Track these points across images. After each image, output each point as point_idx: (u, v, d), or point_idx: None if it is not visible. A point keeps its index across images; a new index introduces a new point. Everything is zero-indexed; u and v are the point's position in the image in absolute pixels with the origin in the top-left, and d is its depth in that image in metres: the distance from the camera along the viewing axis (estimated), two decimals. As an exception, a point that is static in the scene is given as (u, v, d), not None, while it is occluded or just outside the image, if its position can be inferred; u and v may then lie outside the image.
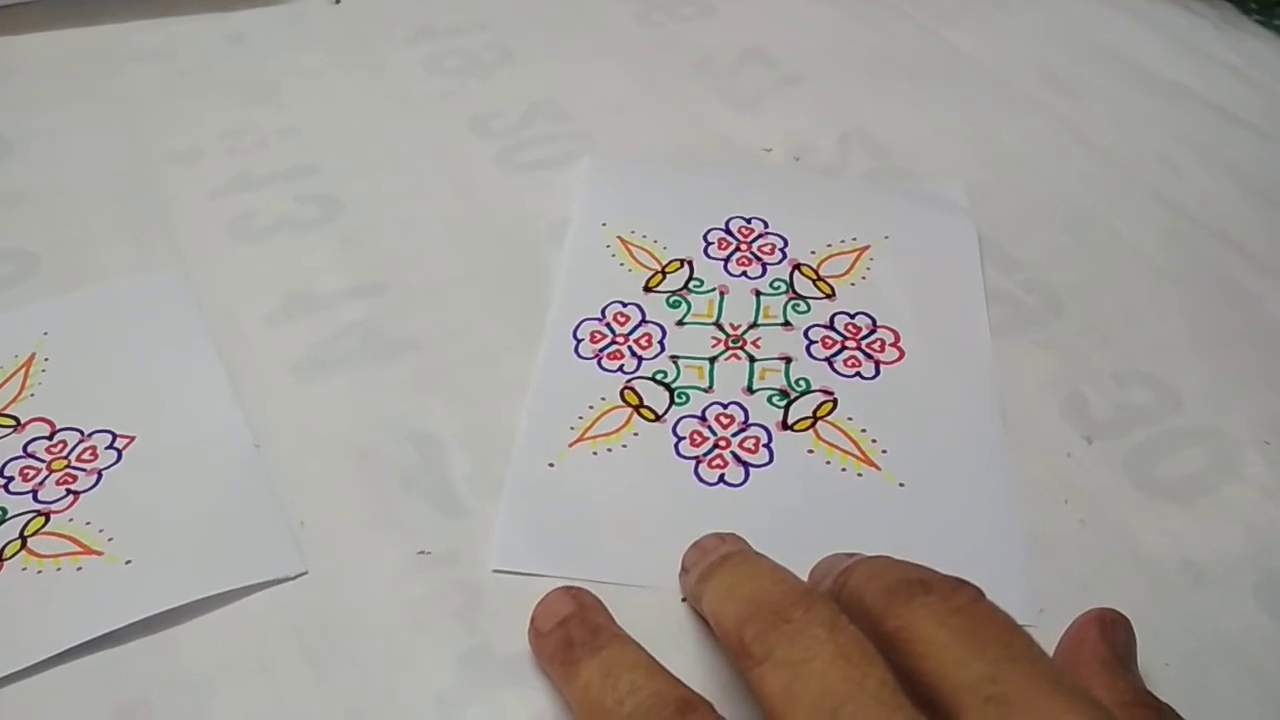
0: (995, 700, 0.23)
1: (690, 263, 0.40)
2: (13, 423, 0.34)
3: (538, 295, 0.39)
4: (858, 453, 0.34)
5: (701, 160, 0.45)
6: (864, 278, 0.39)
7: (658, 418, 0.35)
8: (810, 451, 0.34)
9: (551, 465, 0.33)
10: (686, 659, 0.29)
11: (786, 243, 0.40)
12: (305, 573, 0.31)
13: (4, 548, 0.31)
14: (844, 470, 0.33)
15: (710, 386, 0.36)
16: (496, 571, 0.31)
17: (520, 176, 0.44)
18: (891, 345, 0.37)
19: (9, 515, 0.32)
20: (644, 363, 0.36)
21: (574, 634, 0.28)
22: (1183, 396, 0.36)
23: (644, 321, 0.38)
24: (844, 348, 0.37)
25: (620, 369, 0.36)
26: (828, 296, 0.38)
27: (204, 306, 0.39)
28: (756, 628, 0.25)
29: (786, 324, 0.37)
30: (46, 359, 0.36)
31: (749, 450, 0.34)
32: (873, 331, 0.37)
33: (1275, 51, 0.50)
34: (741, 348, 0.37)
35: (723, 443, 0.34)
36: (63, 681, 0.29)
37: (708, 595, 0.28)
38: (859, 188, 0.43)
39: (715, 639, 0.29)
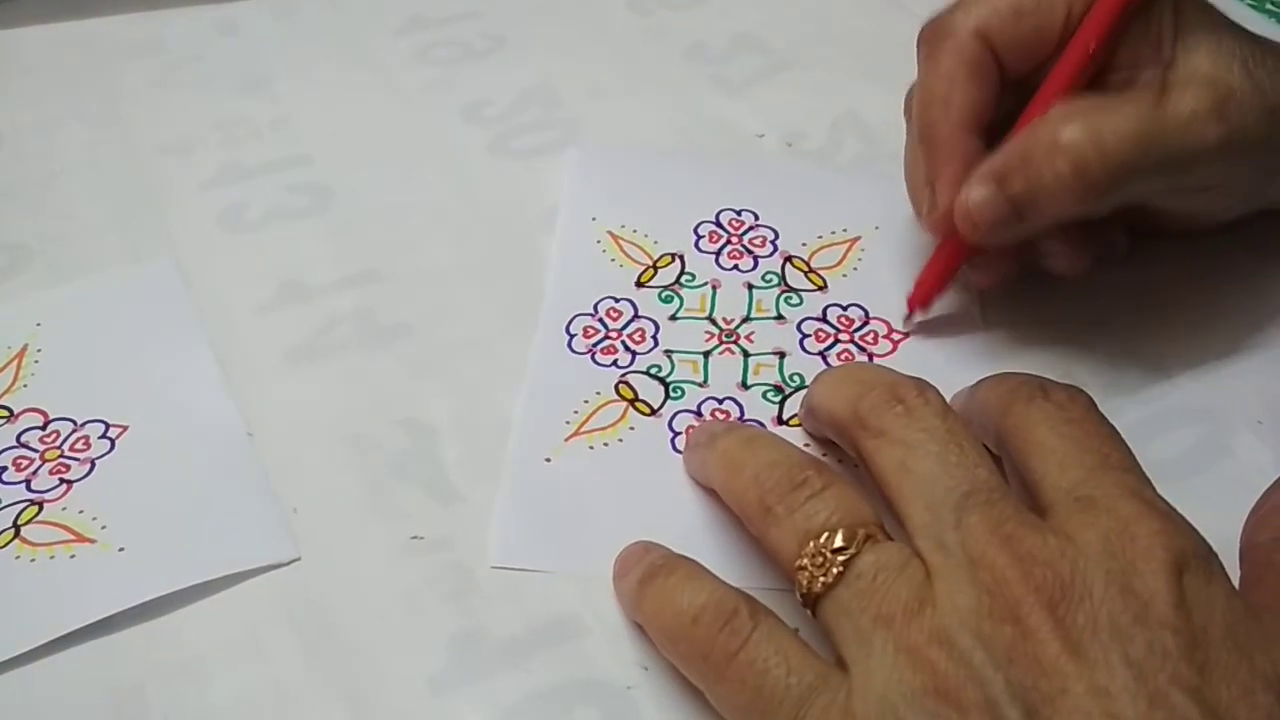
0: (1082, 501, 0.25)
1: (681, 257, 0.40)
2: (6, 413, 0.35)
3: (530, 282, 0.39)
4: None
5: (693, 146, 0.45)
6: (855, 269, 0.39)
7: (653, 412, 0.35)
8: (806, 445, 0.34)
9: (548, 460, 0.33)
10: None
11: (777, 235, 0.40)
12: (298, 558, 0.31)
13: (-3, 537, 0.31)
14: (840, 463, 0.33)
15: (705, 381, 0.36)
16: (495, 568, 0.31)
17: (512, 164, 0.44)
18: (884, 337, 0.37)
19: (2, 505, 0.32)
20: (638, 357, 0.36)
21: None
22: (1176, 376, 0.36)
23: (637, 316, 0.38)
24: (837, 340, 0.37)
25: (614, 363, 0.36)
26: (820, 289, 0.38)
27: (196, 296, 0.39)
28: (872, 401, 0.28)
29: (779, 317, 0.37)
30: (39, 350, 0.37)
31: (745, 445, 0.34)
32: (865, 324, 0.37)
33: (1265, 33, 0.49)
34: (735, 342, 0.37)
35: (720, 438, 0.34)
36: (58, 669, 0.29)
37: (815, 391, 0.31)
38: (850, 176, 0.43)
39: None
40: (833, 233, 0.40)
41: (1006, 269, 0.36)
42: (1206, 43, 0.33)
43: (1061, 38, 0.34)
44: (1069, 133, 0.32)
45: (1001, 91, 0.35)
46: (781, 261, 0.39)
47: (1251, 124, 0.32)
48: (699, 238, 0.40)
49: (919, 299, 0.37)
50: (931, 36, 0.36)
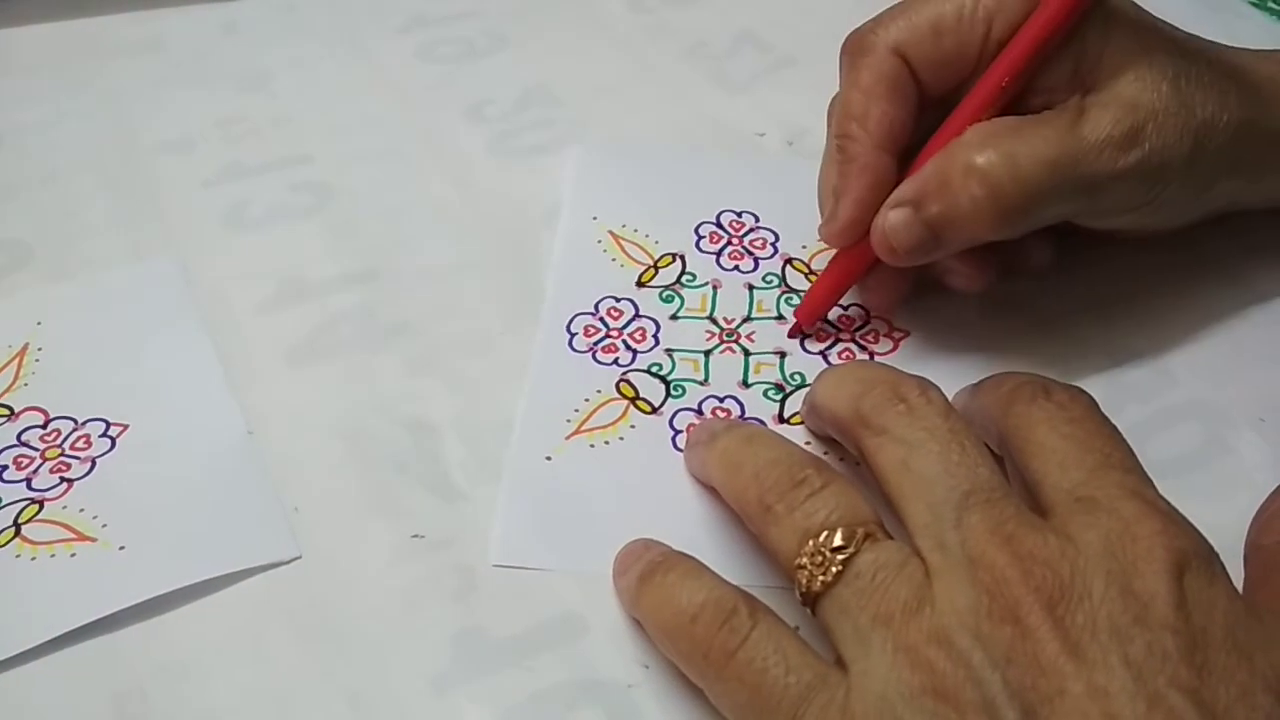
0: (1084, 501, 0.25)
1: (682, 257, 0.39)
2: (7, 412, 0.35)
3: (531, 280, 0.39)
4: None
5: (694, 145, 0.45)
6: None
7: (654, 410, 0.35)
8: (807, 444, 0.33)
9: (549, 459, 0.33)
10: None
11: (778, 237, 0.40)
12: (299, 557, 0.31)
13: (-2, 535, 0.31)
14: (841, 461, 0.33)
15: (706, 380, 0.36)
16: (496, 566, 0.31)
17: (514, 162, 0.44)
18: (885, 335, 0.37)
19: (3, 503, 0.32)
20: (639, 355, 0.36)
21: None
22: (1176, 374, 0.36)
23: (637, 316, 0.38)
24: (838, 339, 0.37)
25: (615, 361, 0.36)
26: None
27: (197, 295, 0.39)
28: (874, 400, 0.28)
29: (780, 317, 0.37)
30: (40, 348, 0.37)
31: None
32: (866, 323, 0.37)
33: (1267, 32, 0.49)
34: (736, 341, 0.37)
35: (721, 436, 0.34)
36: (58, 667, 0.29)
37: (817, 389, 0.31)
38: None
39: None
40: None
41: (900, 289, 0.36)
42: (1135, 65, 0.33)
43: (980, 57, 0.34)
44: (984, 158, 0.32)
45: (920, 109, 0.35)
46: (782, 263, 0.39)
47: (1172, 145, 0.32)
48: (700, 238, 0.40)
49: (806, 317, 0.37)
50: (852, 50, 0.35)
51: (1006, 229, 0.33)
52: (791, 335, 0.37)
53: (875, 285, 0.36)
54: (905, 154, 0.35)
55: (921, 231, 0.33)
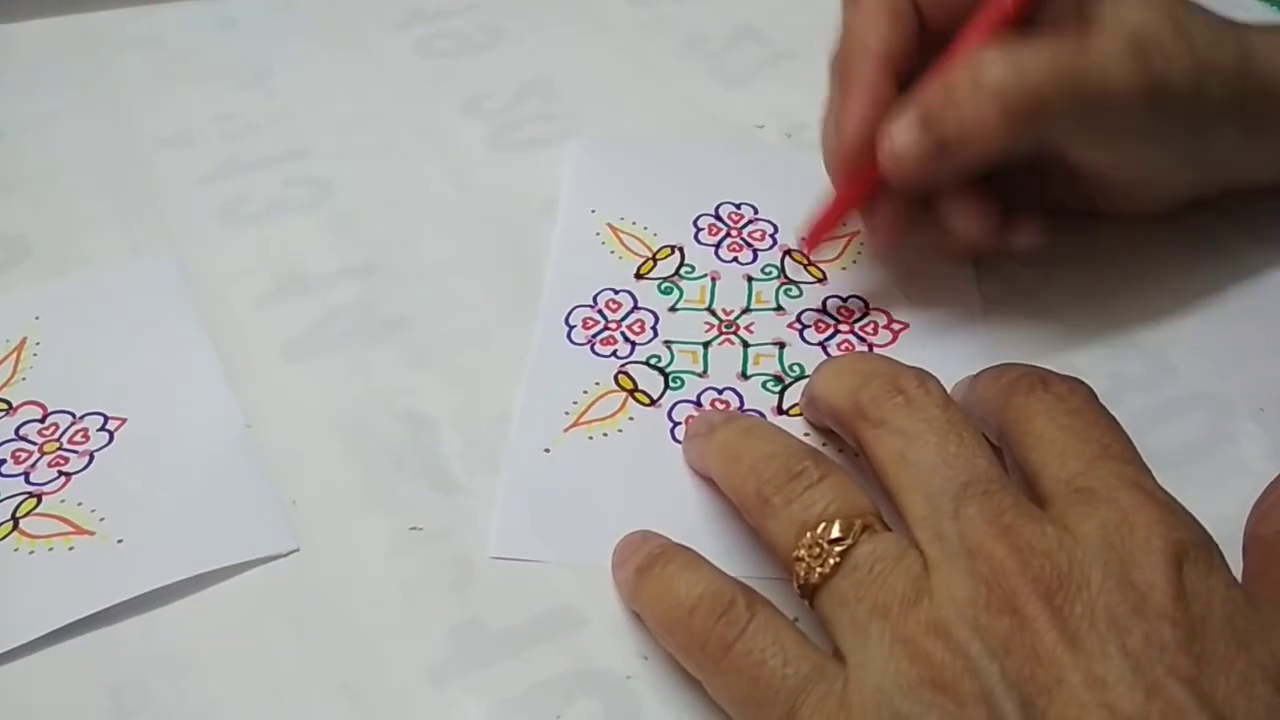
0: (1082, 492, 0.25)
1: (681, 249, 0.39)
2: (5, 406, 0.35)
3: (529, 274, 0.39)
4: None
5: (693, 138, 0.45)
6: (855, 261, 0.39)
7: (653, 402, 0.35)
8: (806, 435, 0.33)
9: (548, 451, 0.33)
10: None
11: (777, 229, 0.40)
12: (297, 550, 0.31)
13: (-4, 529, 0.31)
14: (840, 452, 0.33)
15: (705, 371, 0.36)
16: (495, 559, 0.31)
17: (512, 156, 0.44)
18: (884, 327, 0.37)
19: (1, 497, 0.32)
20: (637, 347, 0.36)
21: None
22: (1177, 365, 0.36)
23: (636, 308, 0.38)
24: (837, 331, 0.37)
25: (614, 354, 0.36)
26: (819, 281, 0.38)
27: (195, 289, 0.39)
28: (872, 391, 0.28)
29: (779, 309, 0.37)
30: (38, 343, 0.36)
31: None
32: (865, 314, 0.37)
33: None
34: (735, 333, 0.37)
35: (719, 428, 0.34)
36: (56, 660, 0.29)
37: (816, 381, 0.31)
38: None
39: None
40: None
41: (902, 218, 0.36)
42: None
43: None
44: (991, 65, 0.32)
45: (921, 39, 0.35)
46: (781, 255, 0.39)
47: (1177, 74, 0.33)
48: (698, 230, 0.40)
49: (812, 239, 0.37)
50: None
51: (1012, 137, 0.33)
52: (806, 251, 0.37)
53: (879, 211, 0.36)
54: (907, 82, 0.35)
55: (928, 143, 0.33)
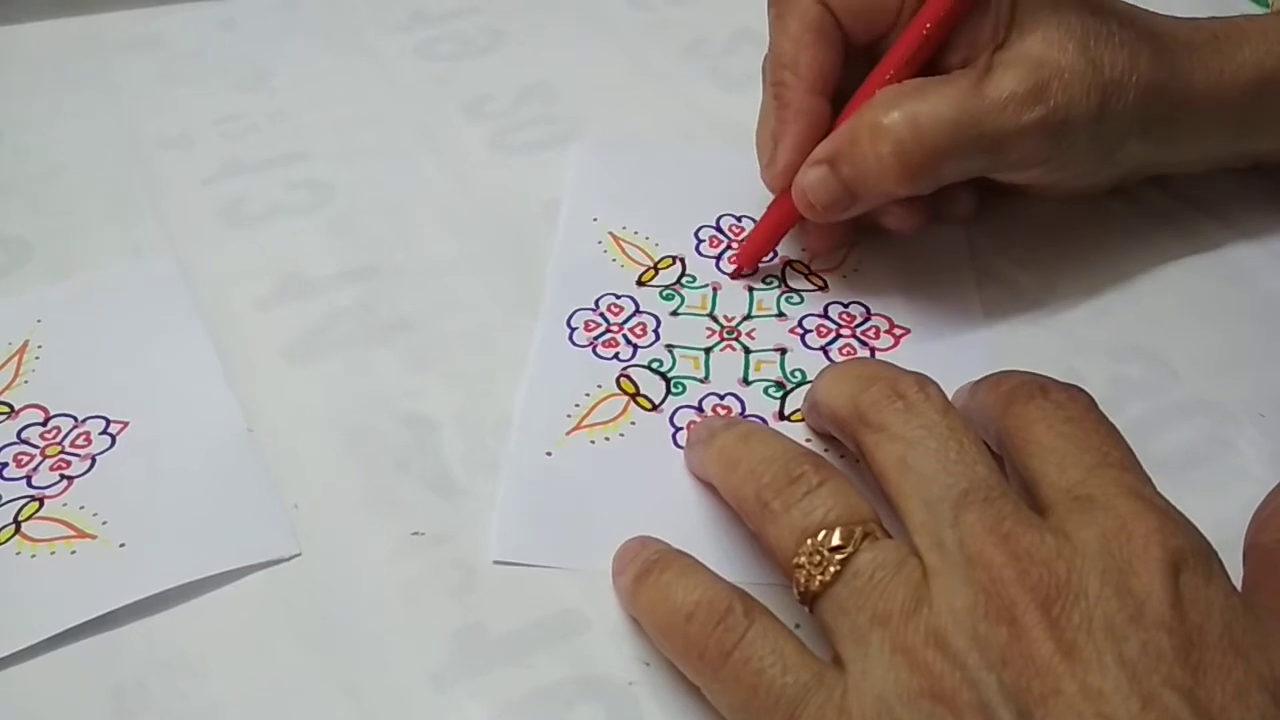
0: (1081, 500, 0.25)
1: (682, 260, 0.39)
2: (7, 409, 0.35)
3: (530, 277, 0.39)
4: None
5: (693, 141, 0.45)
6: (856, 269, 0.39)
7: (654, 407, 0.35)
8: (808, 441, 0.33)
9: (549, 454, 0.33)
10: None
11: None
12: (299, 554, 0.31)
13: (-2, 533, 0.31)
14: (842, 458, 0.33)
15: (706, 377, 0.36)
16: (496, 563, 0.31)
17: (513, 158, 0.44)
18: (886, 332, 0.37)
19: (3, 501, 0.32)
20: (639, 350, 0.36)
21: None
22: (1178, 370, 0.36)
23: (638, 312, 0.38)
24: (839, 335, 0.37)
25: (616, 356, 0.36)
26: (821, 288, 0.38)
27: (196, 292, 0.39)
28: (872, 396, 0.28)
29: (780, 315, 0.37)
30: (40, 346, 0.36)
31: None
32: (867, 320, 0.37)
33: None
34: (736, 339, 0.37)
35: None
36: (58, 664, 0.29)
37: (817, 386, 0.31)
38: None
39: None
40: None
41: (837, 235, 0.38)
42: (1044, 23, 0.34)
43: (901, 8, 0.36)
44: (888, 118, 0.33)
45: (848, 57, 0.36)
46: (782, 266, 0.39)
47: (1078, 102, 0.33)
48: (699, 242, 0.40)
49: (745, 259, 0.38)
50: (778, 1, 0.37)
51: (913, 186, 0.34)
52: (734, 277, 0.38)
53: (813, 230, 0.38)
54: (840, 97, 0.36)
55: (837, 188, 0.35)
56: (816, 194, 0.35)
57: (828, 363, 0.36)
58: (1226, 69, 0.36)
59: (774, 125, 0.36)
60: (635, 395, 0.35)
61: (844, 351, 0.36)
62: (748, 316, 0.37)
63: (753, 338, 0.37)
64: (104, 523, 0.31)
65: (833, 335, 0.37)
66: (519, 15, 0.51)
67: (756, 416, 0.34)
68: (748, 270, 0.38)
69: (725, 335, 0.37)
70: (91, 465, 0.33)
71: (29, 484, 0.32)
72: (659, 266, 0.39)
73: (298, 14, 0.52)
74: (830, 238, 0.38)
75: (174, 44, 0.50)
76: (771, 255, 0.39)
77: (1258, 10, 0.50)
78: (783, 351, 0.36)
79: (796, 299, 0.38)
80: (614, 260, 0.39)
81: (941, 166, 0.34)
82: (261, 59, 0.49)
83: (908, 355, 0.36)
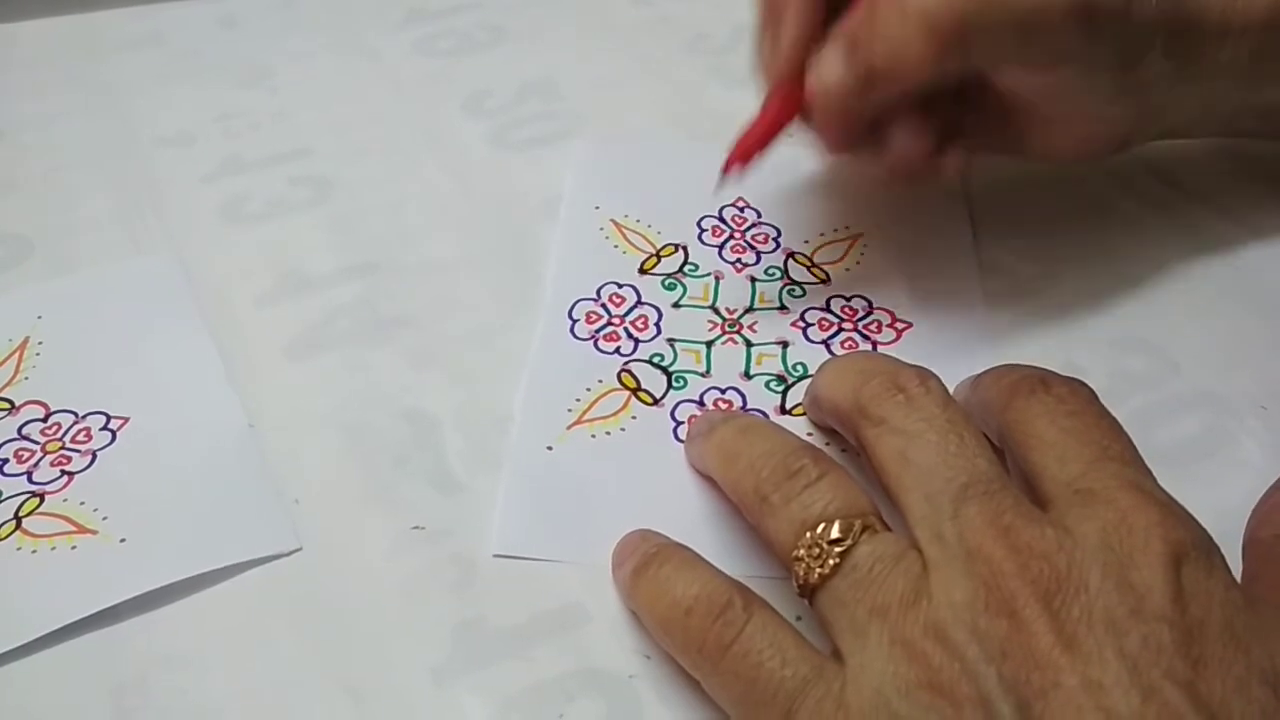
0: (1082, 494, 0.25)
1: (685, 248, 0.39)
2: (7, 405, 0.35)
3: (531, 272, 0.39)
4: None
5: (694, 137, 0.45)
6: (858, 263, 0.39)
7: (655, 401, 0.35)
8: (809, 435, 0.33)
9: (550, 448, 0.33)
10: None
11: (780, 232, 0.40)
12: (299, 549, 0.31)
13: (-1, 528, 0.31)
14: (844, 452, 0.33)
15: (708, 371, 0.36)
16: (497, 557, 0.31)
17: (513, 155, 0.44)
18: (888, 326, 0.37)
19: (4, 496, 0.32)
20: (640, 345, 0.36)
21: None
22: (1180, 362, 0.36)
23: (640, 303, 0.38)
24: (841, 329, 0.37)
25: (617, 350, 0.36)
26: (823, 282, 0.38)
27: (197, 289, 0.39)
28: (873, 389, 0.28)
29: (782, 308, 0.37)
30: (40, 342, 0.37)
31: (748, 436, 0.34)
32: (869, 313, 0.37)
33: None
34: (738, 332, 0.37)
35: (722, 428, 0.34)
36: (58, 659, 0.29)
37: (818, 380, 0.31)
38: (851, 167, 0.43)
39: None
40: (835, 230, 0.40)
41: (849, 130, 0.35)
42: None
43: None
44: None
45: None
46: (784, 257, 0.39)
47: None
48: (702, 231, 0.40)
49: (739, 156, 0.35)
50: None
51: (940, 59, 0.32)
52: (724, 172, 0.35)
53: (822, 121, 0.35)
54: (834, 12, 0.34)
55: (856, 72, 0.32)
56: (833, 73, 0.32)
57: (829, 357, 0.36)
58: (1239, 1, 0.35)
59: (769, 26, 0.34)
60: (636, 390, 0.35)
61: (846, 345, 0.36)
62: (750, 309, 0.37)
63: (754, 331, 0.37)
64: (104, 518, 0.31)
65: (835, 329, 0.37)
66: (519, 11, 0.51)
67: (758, 411, 0.34)
68: (741, 167, 0.35)
69: (727, 329, 0.37)
70: (92, 461, 0.33)
71: (30, 480, 0.32)
72: (661, 254, 0.39)
73: (297, 11, 0.52)
74: (839, 130, 0.35)
75: (174, 41, 0.50)
76: (774, 247, 0.39)
77: None
78: (784, 345, 0.36)
79: (799, 292, 0.38)
80: (615, 247, 0.39)
81: (971, 40, 0.31)
82: (261, 56, 0.49)
83: (910, 349, 0.36)
